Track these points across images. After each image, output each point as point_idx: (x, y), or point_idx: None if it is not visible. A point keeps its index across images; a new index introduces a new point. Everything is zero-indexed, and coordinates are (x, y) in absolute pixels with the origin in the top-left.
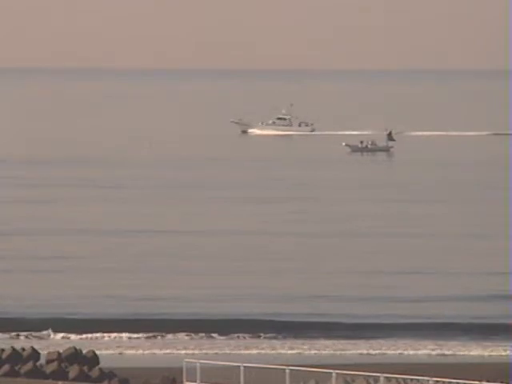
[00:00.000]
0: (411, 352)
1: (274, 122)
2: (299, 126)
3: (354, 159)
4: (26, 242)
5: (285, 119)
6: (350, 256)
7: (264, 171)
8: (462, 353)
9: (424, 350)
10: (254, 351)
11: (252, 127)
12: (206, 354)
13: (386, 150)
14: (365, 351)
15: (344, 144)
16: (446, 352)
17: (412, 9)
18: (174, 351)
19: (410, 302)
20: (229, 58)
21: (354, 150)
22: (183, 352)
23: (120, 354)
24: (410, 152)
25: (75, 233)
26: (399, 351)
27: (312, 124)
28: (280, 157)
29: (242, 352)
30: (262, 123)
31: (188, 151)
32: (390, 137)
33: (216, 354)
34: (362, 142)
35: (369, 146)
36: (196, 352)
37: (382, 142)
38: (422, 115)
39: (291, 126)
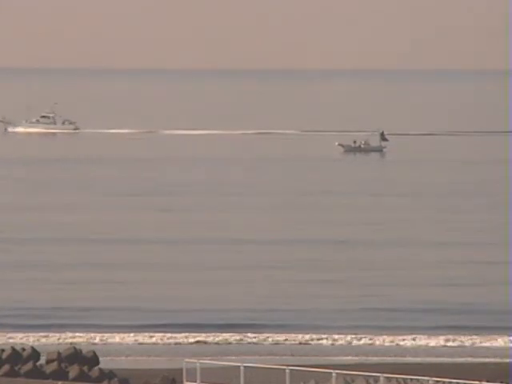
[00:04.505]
0: (410, 355)
1: (37, 120)
2: (63, 124)
3: (348, 159)
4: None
5: (48, 117)
6: (340, 266)
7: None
8: (462, 355)
9: (424, 349)
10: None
11: (16, 125)
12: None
13: (379, 150)
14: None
15: (337, 144)
16: (446, 353)
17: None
18: (174, 351)
19: (410, 310)
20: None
21: (347, 150)
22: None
23: (122, 355)
24: (404, 152)
25: None
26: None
27: (75, 122)
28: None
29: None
30: (26, 121)
31: None
32: (382, 137)
33: (216, 354)
34: (354, 142)
35: (362, 146)
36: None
37: (374, 142)
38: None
39: (55, 124)
